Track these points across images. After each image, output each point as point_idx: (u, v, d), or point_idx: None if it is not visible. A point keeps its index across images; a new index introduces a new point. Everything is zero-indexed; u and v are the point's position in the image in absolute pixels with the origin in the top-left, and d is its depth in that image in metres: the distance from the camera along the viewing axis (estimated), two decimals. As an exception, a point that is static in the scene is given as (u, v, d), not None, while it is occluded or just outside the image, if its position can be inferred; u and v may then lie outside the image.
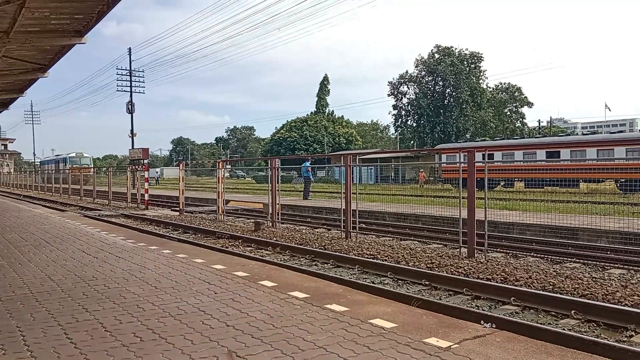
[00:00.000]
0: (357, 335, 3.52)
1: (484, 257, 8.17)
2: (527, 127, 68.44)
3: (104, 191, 26.32)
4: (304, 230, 12.40)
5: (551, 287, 6.29)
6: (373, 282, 6.97)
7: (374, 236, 11.22)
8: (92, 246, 8.11)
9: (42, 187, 36.88)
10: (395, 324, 3.77)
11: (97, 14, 9.96)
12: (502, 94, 70.08)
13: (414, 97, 66.67)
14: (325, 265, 8.26)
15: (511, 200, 16.22)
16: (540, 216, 11.92)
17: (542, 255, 8.51)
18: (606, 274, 7.22)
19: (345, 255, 8.56)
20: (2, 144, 79.88)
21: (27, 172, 51.33)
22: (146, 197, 19.72)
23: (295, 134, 69.73)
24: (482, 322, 4.67)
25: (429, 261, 7.94)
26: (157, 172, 67.34)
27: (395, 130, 76.21)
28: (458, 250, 8.71)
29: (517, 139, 35.90)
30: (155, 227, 14.00)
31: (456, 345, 3.30)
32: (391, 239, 10.99)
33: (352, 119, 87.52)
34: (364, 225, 12.55)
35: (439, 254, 8.68)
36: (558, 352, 3.21)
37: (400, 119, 69.98)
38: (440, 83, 64.42)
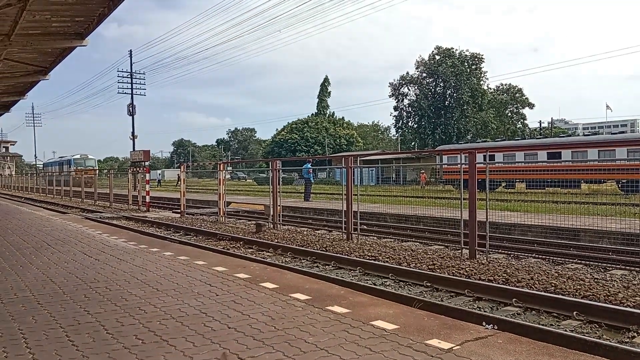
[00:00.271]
0: (358, 337, 3.51)
1: (485, 258, 8.16)
2: (528, 128, 68.45)
3: (105, 193, 26.34)
4: (305, 232, 12.39)
5: (553, 288, 6.28)
6: (374, 284, 6.97)
7: (375, 237, 11.21)
8: (93, 248, 8.12)
9: (44, 189, 36.88)
10: (396, 325, 3.77)
11: (98, 17, 9.98)
12: (503, 95, 70.06)
13: (414, 98, 66.67)
14: (327, 266, 8.25)
15: (512, 201, 16.21)
16: (542, 217, 11.91)
17: (544, 257, 8.50)
18: (608, 275, 7.21)
19: (346, 256, 8.56)
20: (3, 147, 79.98)
21: (29, 175, 51.35)
22: (147, 199, 19.73)
23: (296, 136, 69.76)
24: (484, 323, 4.67)
25: (431, 262, 7.92)
26: (159, 174, 67.34)
27: (396, 132, 76.21)
28: (459, 251, 8.71)
29: (518, 140, 35.92)
30: (157, 229, 14.00)
31: (458, 347, 3.30)
32: (392, 240, 10.98)
33: (353, 121, 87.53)
34: (365, 227, 12.55)
35: (440, 255, 8.66)
36: (560, 353, 3.20)
37: (401, 121, 69.96)
38: (441, 84, 64.42)
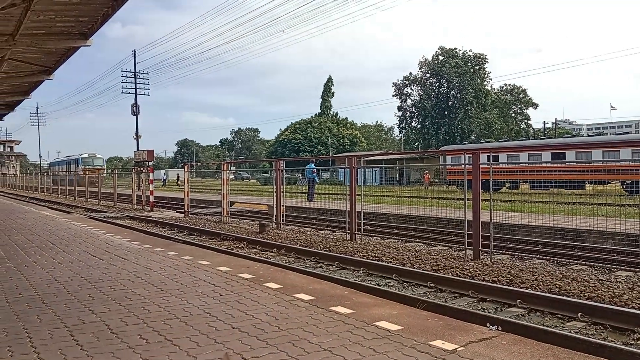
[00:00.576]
0: (362, 337, 3.51)
1: (489, 259, 8.15)
2: (532, 128, 68.23)
3: (109, 193, 26.41)
4: (308, 232, 12.41)
5: (557, 289, 6.26)
6: (378, 284, 6.97)
7: (378, 238, 11.22)
8: (97, 248, 8.15)
9: (48, 189, 36.98)
10: (400, 326, 3.77)
11: (102, 17, 10.02)
12: (506, 95, 69.90)
13: (418, 98, 66.61)
14: (330, 267, 8.26)
15: (516, 202, 16.17)
16: (546, 218, 11.87)
17: (548, 258, 8.48)
18: (613, 276, 7.18)
19: (350, 257, 8.57)
20: (8, 146, 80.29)
21: (33, 174, 51.53)
22: (151, 198, 19.79)
23: (300, 136, 69.81)
24: (488, 324, 4.65)
25: (435, 263, 7.92)
26: (163, 174, 67.44)
27: (400, 132, 76.17)
28: (463, 252, 8.71)
29: (522, 140, 35.82)
30: (161, 229, 14.05)
31: (462, 348, 3.29)
32: (396, 241, 11.00)
33: (356, 121, 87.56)
34: (368, 227, 12.55)
35: (444, 256, 8.66)
36: (565, 355, 3.19)
37: (404, 121, 69.89)
38: (445, 85, 64.33)
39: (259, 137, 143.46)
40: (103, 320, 4.00)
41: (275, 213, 13.13)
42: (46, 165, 75.32)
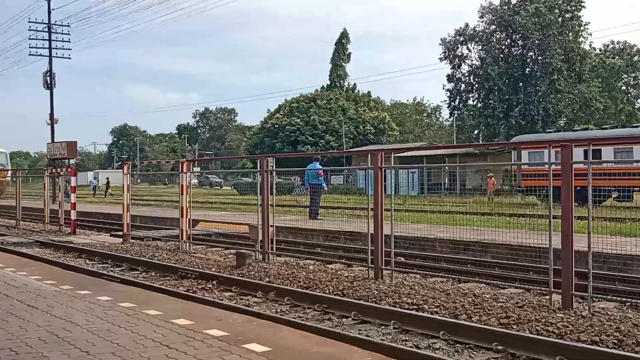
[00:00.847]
0: None
1: (587, 307, 8.12)
2: (655, 108, 68.16)
3: (9, 206, 26.49)
4: (310, 267, 12.37)
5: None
6: (417, 347, 6.95)
7: (418, 276, 11.17)
8: (-9, 290, 8.18)
9: None
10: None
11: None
12: (614, 58, 69.80)
13: (478, 63, 66.65)
14: (344, 320, 8.24)
15: (629, 220, 16.07)
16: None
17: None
18: None
19: (374, 304, 8.55)
20: None
21: None
22: (73, 215, 19.85)
23: (298, 120, 70.04)
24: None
25: (503, 314, 7.90)
26: (93, 178, 67.72)
27: (451, 114, 76.35)
28: (547, 297, 8.67)
29: (638, 126, 35.63)
30: (87, 260, 14.05)
31: None
32: (444, 280, 10.94)
33: (384, 97, 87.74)
34: (402, 259, 12.49)
35: (518, 303, 8.64)
36: None
37: (458, 97, 70.02)
38: (519, 42, 64.39)
39: (236, 121, 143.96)
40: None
41: (260, 237, 13.12)
42: None
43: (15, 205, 24.18)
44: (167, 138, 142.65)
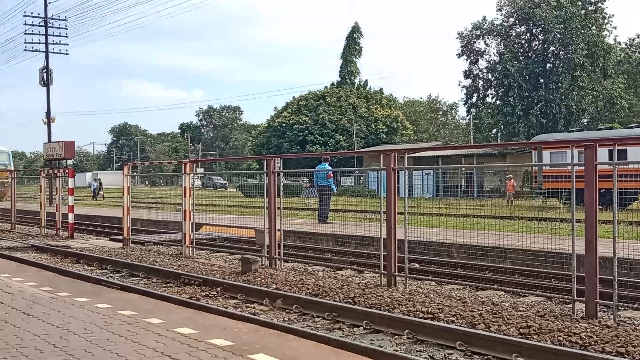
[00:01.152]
0: None
1: (612, 316, 8.08)
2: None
3: (3, 209, 26.63)
4: (320, 273, 12.42)
5: None
6: (433, 358, 6.97)
7: (433, 283, 11.19)
8: (-15, 297, 8.20)
9: None
10: None
11: None
12: (640, 53, 69.46)
13: (497, 58, 66.48)
14: (355, 329, 8.25)
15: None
16: None
17: None
18: None
19: (387, 313, 8.56)
20: None
21: None
22: (70, 218, 19.93)
23: (307, 119, 70.05)
24: None
25: (523, 324, 7.87)
26: (93, 180, 67.85)
27: (468, 112, 76.14)
28: (570, 306, 8.66)
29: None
30: (86, 266, 14.14)
31: None
32: (461, 288, 10.95)
33: (397, 95, 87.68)
34: (416, 266, 12.46)
35: (538, 312, 8.63)
36: None
37: (475, 94, 69.86)
38: (540, 36, 64.17)
39: (241, 120, 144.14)
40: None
41: (267, 242, 13.13)
42: None
43: (10, 208, 24.31)
44: (169, 137, 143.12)
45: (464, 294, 10.23)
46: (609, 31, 65.25)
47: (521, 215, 18.88)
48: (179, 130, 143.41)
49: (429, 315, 8.47)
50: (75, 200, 20.91)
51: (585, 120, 63.36)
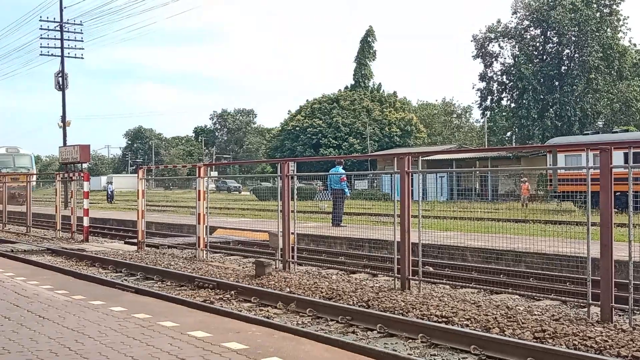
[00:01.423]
0: None
1: (627, 321, 8.04)
2: None
3: (18, 212, 26.78)
4: (334, 277, 12.41)
5: None
6: (447, 362, 6.92)
7: (447, 287, 11.17)
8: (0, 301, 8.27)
9: None
10: None
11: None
12: (657, 54, 68.88)
13: (511, 61, 66.17)
14: (369, 332, 8.25)
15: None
16: None
17: None
18: None
19: (401, 316, 8.56)
20: None
21: None
22: (85, 222, 20.04)
23: (320, 122, 70.11)
24: None
25: (538, 327, 7.85)
26: (108, 183, 68.03)
27: (482, 115, 75.83)
28: (585, 310, 8.63)
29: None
30: (100, 269, 14.21)
31: None
32: (476, 292, 10.92)
33: (410, 98, 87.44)
34: (431, 269, 12.43)
35: (553, 315, 8.60)
36: None
37: (490, 97, 69.55)
38: (555, 39, 63.82)
39: (255, 123, 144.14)
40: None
41: (281, 245, 13.13)
42: None
43: (25, 212, 24.47)
44: (183, 141, 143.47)
45: (478, 297, 10.21)
46: (624, 33, 64.82)
47: (536, 219, 18.80)
48: (194, 134, 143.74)
49: (443, 319, 8.46)
50: (90, 203, 21.02)
51: (600, 123, 62.91)
